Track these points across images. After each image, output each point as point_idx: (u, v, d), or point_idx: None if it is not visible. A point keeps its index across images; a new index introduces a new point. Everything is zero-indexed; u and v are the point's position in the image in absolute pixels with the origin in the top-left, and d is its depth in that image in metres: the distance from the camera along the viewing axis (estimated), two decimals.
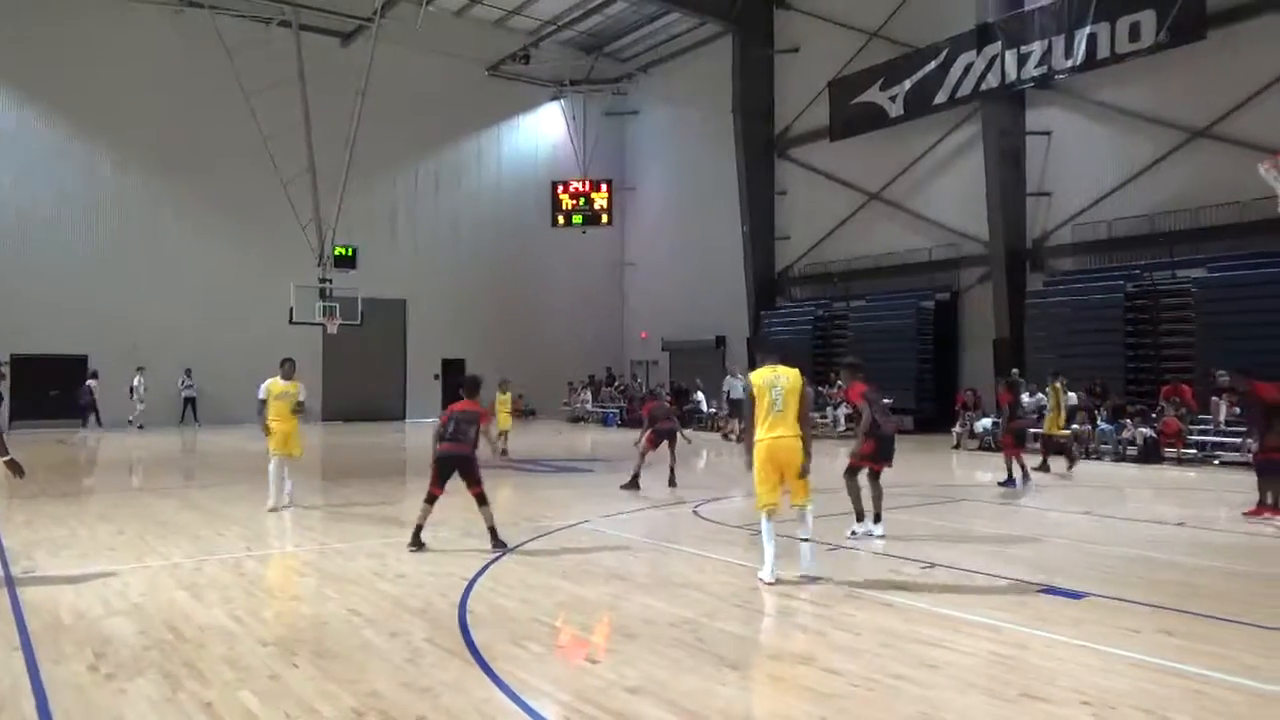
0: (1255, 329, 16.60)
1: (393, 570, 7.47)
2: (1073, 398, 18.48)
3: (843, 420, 22.60)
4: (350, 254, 25.21)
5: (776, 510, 6.87)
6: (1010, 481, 12.84)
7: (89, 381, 24.51)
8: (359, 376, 29.51)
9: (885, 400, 9.95)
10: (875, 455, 8.97)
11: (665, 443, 13.06)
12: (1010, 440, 13.24)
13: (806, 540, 6.99)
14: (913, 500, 11.45)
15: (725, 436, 22.87)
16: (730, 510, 10.98)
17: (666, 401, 16.72)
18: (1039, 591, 6.73)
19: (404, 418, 30.75)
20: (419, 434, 25.30)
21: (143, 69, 26.10)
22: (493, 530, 8.25)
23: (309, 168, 23.11)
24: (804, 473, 6.94)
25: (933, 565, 7.64)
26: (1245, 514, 10.28)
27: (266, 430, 10.63)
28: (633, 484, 12.67)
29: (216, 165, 26.84)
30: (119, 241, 26.25)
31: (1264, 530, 9.51)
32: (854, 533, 8.86)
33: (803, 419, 6.96)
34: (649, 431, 13.05)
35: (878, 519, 8.92)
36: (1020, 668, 4.99)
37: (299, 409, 10.85)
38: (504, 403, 17.50)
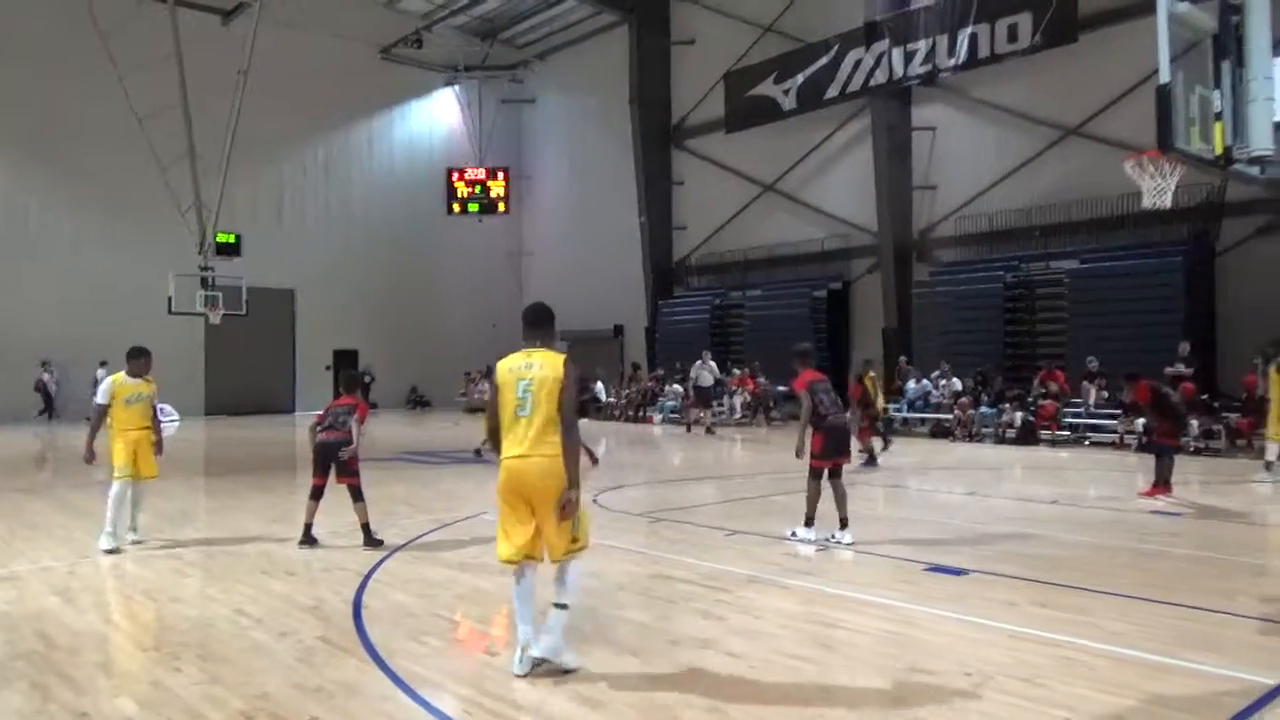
0: (1121, 317, 17.61)
1: (282, 568, 7.24)
2: (957, 383, 19.35)
3: (739, 409, 22.98)
4: (234, 241, 24.20)
5: (533, 559, 4.73)
6: (872, 461, 13.67)
7: (43, 375, 23.80)
8: (245, 368, 28.44)
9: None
10: (824, 451, 7.98)
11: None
12: (868, 426, 14.18)
13: (562, 608, 4.75)
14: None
15: (689, 428, 21.19)
16: (631, 499, 11.04)
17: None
18: (926, 570, 7.00)
19: (294, 411, 29.76)
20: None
21: (4, 45, 24.45)
22: (366, 528, 8.04)
23: (188, 150, 22.05)
24: (566, 509, 4.64)
25: (827, 547, 7.86)
26: (1141, 494, 10.69)
27: (91, 452, 8.05)
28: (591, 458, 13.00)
29: (87, 147, 25.35)
30: None
31: (1134, 505, 10.12)
32: (793, 534, 8.17)
33: (565, 426, 4.71)
34: None
35: (843, 524, 8.00)
36: (909, 643, 5.19)
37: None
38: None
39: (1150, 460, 11.02)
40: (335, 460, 7.99)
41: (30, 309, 24.86)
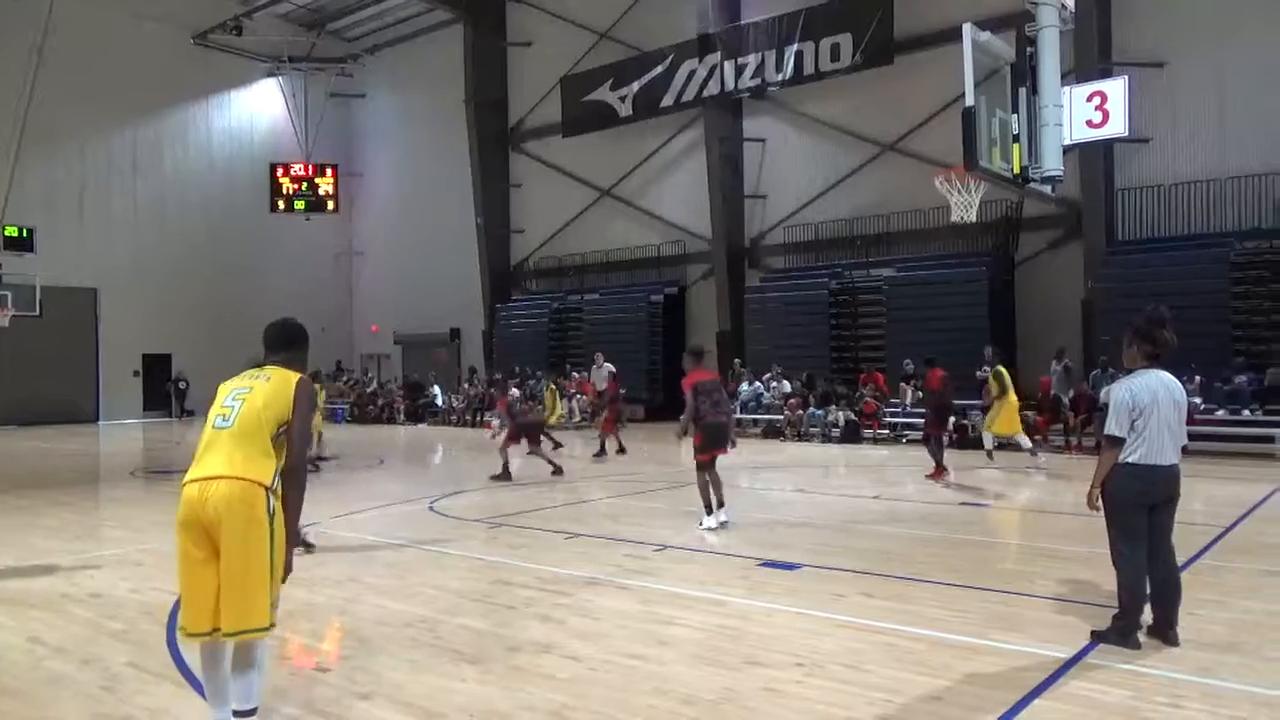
0: (934, 322, 18.85)
1: (85, 590, 6.66)
2: (787, 385, 20.13)
3: (577, 412, 23.01)
4: (26, 236, 22.11)
5: (221, 632, 3.63)
6: (601, 453, 15.97)
7: None
8: (39, 374, 26.07)
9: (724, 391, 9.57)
10: (704, 445, 8.77)
11: (525, 438, 13.18)
12: (612, 418, 16.57)
13: (246, 715, 3.76)
14: (643, 486, 11.90)
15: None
16: (469, 504, 10.84)
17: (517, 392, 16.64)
18: (760, 565, 7.23)
19: (97, 420, 27.55)
20: (114, 437, 22.81)
21: None
22: None
23: None
24: (287, 565, 3.76)
25: (665, 547, 7.98)
26: (927, 476, 12.25)
27: None
28: (504, 475, 12.67)
29: None
30: None
31: (945, 498, 10.84)
32: (700, 524, 8.77)
33: (292, 466, 3.81)
34: (511, 427, 13.24)
35: (719, 504, 8.83)
36: (743, 637, 5.34)
37: None
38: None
39: (960, 453, 11.86)
40: None
41: None
